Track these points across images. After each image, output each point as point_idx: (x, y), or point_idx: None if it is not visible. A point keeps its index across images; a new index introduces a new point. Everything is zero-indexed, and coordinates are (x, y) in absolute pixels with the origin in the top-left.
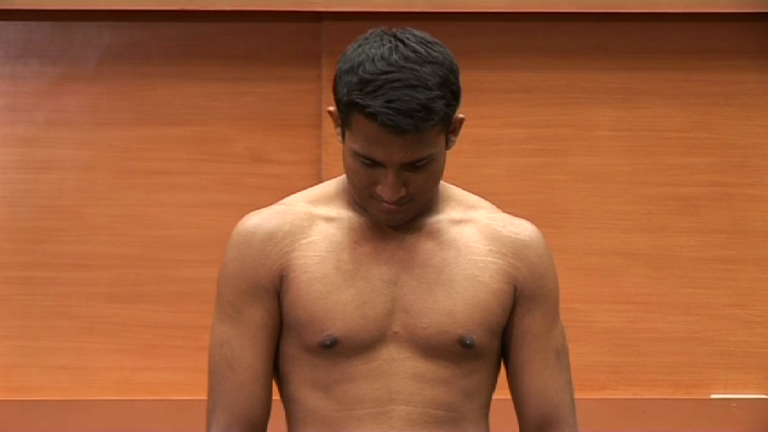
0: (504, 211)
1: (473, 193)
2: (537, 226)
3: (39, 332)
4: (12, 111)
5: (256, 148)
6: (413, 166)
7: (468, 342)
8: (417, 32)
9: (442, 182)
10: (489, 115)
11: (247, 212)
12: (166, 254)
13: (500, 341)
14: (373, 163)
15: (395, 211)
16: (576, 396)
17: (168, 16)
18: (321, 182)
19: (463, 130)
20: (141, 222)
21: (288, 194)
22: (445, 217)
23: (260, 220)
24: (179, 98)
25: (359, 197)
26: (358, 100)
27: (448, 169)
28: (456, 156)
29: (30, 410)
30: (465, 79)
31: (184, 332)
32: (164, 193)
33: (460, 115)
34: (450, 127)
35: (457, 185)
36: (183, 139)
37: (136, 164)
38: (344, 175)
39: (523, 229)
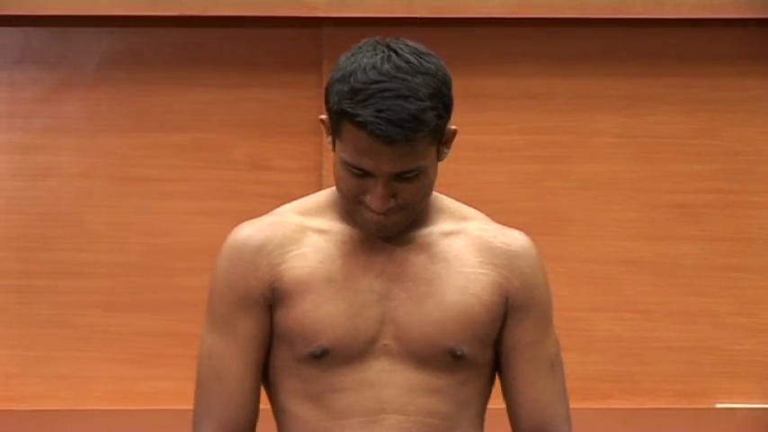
0: (506, 220)
1: (474, 200)
2: (538, 234)
3: (36, 341)
4: (9, 117)
5: (256, 155)
6: (402, 178)
7: (458, 353)
8: (411, 43)
9: (434, 193)
10: (490, 122)
11: (247, 220)
12: (165, 262)
13: (493, 352)
14: (363, 173)
15: (383, 221)
16: (579, 406)
17: (167, 22)
18: (322, 189)
19: (464, 137)
20: (140, 230)
21: (288, 202)
22: (437, 229)
23: (251, 232)
24: (178, 104)
25: (348, 206)
26: (348, 109)
27: (448, 176)
28: (457, 163)
29: (27, 420)
30: (466, 85)
31: (183, 341)
32: (163, 200)
33: (453, 127)
34: (442, 138)
35: (457, 193)
36: (183, 145)
37: (135, 171)
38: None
39: (515, 239)
